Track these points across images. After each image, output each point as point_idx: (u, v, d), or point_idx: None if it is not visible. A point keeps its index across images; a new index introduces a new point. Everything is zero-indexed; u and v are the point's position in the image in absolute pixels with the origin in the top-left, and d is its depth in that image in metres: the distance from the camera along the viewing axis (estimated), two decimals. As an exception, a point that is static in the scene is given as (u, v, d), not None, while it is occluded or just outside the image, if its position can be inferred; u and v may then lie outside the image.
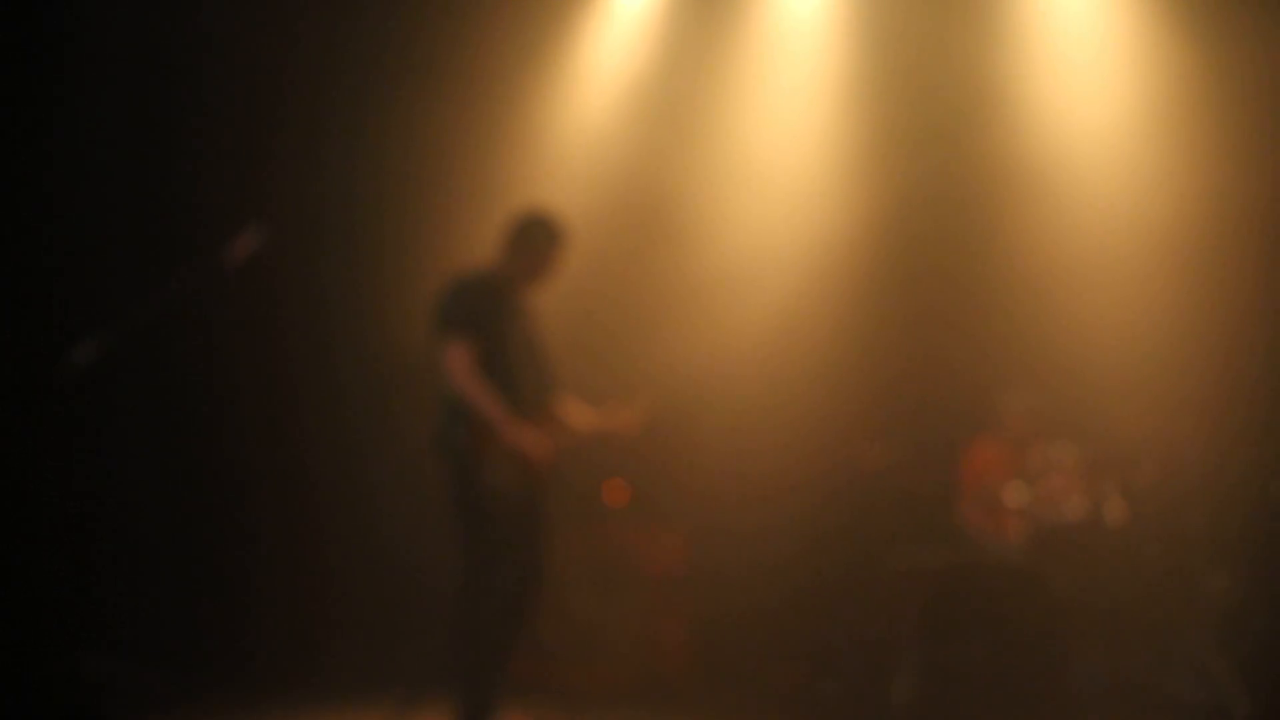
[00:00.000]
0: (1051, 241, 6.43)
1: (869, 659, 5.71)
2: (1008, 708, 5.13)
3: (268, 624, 6.58)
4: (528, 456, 4.75)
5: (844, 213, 6.69)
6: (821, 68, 6.85)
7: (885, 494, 5.70)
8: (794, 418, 6.59)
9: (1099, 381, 6.12)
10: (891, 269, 6.70)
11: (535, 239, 5.04)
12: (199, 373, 6.64)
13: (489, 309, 4.84)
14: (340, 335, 6.82)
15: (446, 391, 4.77)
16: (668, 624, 6.48)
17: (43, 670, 5.43)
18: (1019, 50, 6.54)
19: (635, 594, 6.41)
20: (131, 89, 6.46)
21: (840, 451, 5.88)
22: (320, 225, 6.72)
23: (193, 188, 6.49)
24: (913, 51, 6.60)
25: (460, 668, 4.84)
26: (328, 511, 6.70)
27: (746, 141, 6.91)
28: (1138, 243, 6.27)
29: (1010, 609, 5.25)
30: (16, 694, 5.26)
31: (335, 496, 6.72)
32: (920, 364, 6.58)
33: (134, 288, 3.88)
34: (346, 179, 6.72)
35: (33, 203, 6.17)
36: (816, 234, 6.74)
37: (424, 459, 5.05)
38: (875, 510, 5.72)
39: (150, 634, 6.27)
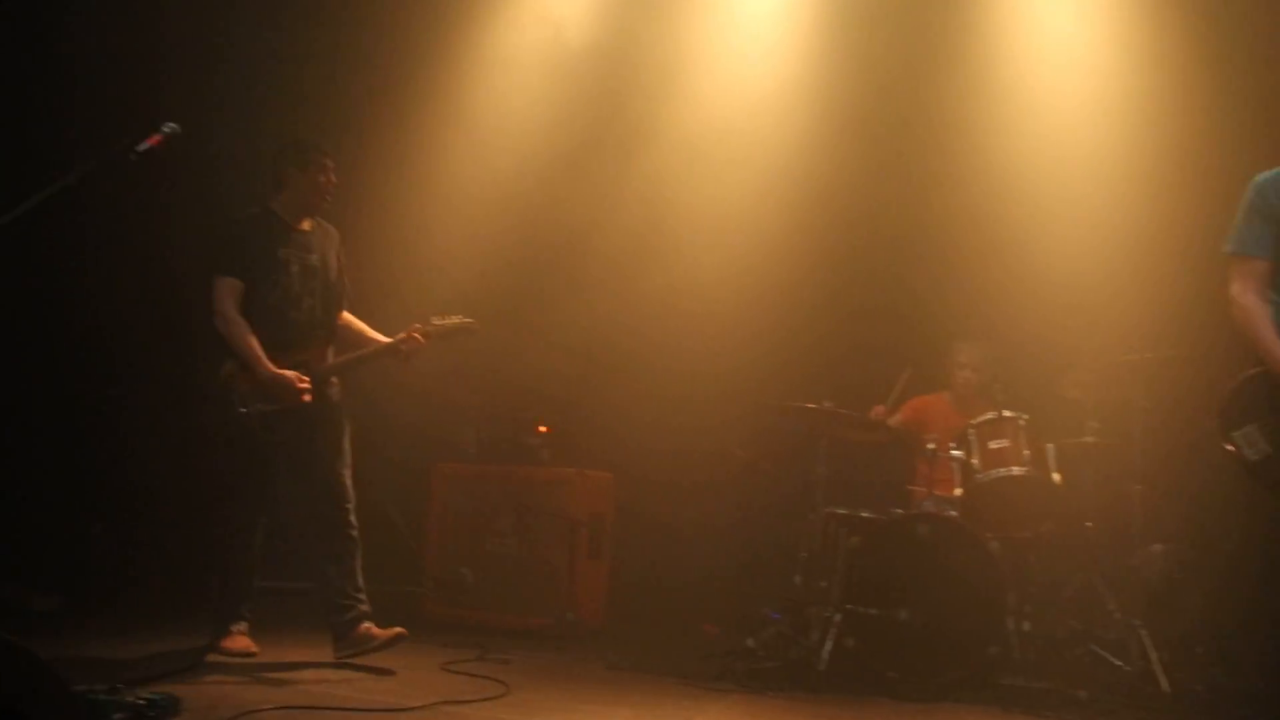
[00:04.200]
0: (1004, 200, 6.39)
1: (795, 613, 5.59)
2: (937, 663, 5.03)
3: (156, 548, 6.44)
4: (278, 393, 4.92)
5: (794, 166, 6.58)
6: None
7: (822, 445, 5.55)
8: (732, 368, 6.49)
9: (1047, 344, 6.08)
10: (841, 227, 6.60)
11: (290, 167, 5.11)
12: (83, 278, 6.41)
13: (254, 248, 5.04)
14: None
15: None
16: (590, 566, 6.36)
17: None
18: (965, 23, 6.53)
19: (558, 536, 6.27)
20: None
21: (778, 401, 5.73)
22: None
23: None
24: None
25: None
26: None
27: (695, 102, 6.77)
28: (1089, 205, 6.24)
29: (945, 564, 5.14)
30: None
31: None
32: (867, 317, 6.51)
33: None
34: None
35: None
36: (767, 185, 6.62)
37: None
38: (811, 461, 5.58)
39: (37, 556, 6.12)
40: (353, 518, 5.14)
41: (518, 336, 6.56)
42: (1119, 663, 5.18)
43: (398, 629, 5.04)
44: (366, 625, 5.05)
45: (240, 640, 5.06)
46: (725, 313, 6.64)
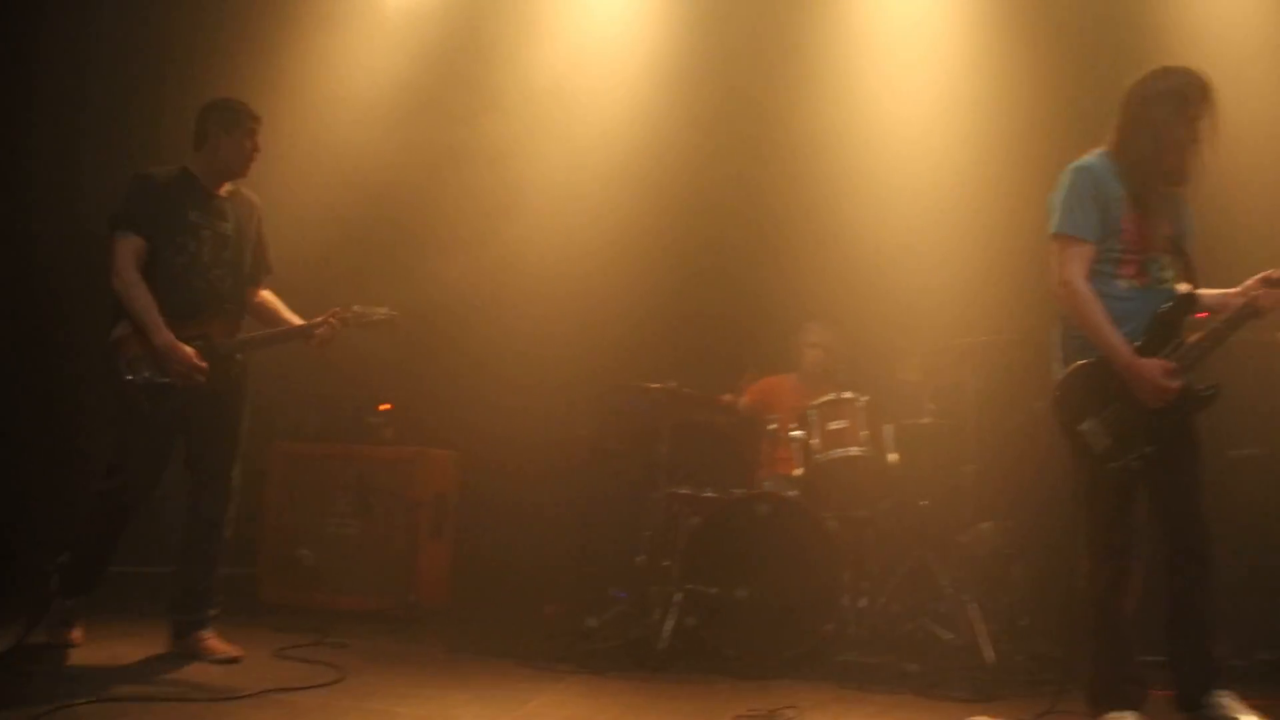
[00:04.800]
0: (847, 186, 6.48)
1: (636, 593, 5.61)
2: (775, 640, 5.11)
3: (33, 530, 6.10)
4: (170, 366, 4.63)
5: (644, 144, 6.58)
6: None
7: (666, 425, 5.57)
8: (577, 347, 6.46)
9: (888, 328, 6.21)
10: (690, 209, 6.62)
11: (215, 127, 4.82)
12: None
13: (163, 206, 4.71)
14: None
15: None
16: (432, 547, 6.27)
17: None
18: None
19: (400, 516, 6.17)
20: None
21: (624, 381, 5.73)
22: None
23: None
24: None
25: None
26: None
27: (544, 74, 6.74)
28: (927, 195, 6.39)
29: (784, 543, 5.21)
30: None
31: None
32: (714, 299, 6.55)
33: None
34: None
35: None
36: (617, 163, 6.58)
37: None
38: (655, 441, 5.59)
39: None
40: (227, 515, 4.87)
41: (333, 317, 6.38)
42: (949, 636, 5.33)
43: (237, 651, 4.78)
44: (209, 637, 4.80)
45: (68, 631, 4.77)
46: (570, 291, 6.61)
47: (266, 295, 5.07)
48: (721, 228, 6.67)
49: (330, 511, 6.31)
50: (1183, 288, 3.95)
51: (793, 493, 5.49)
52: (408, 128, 6.68)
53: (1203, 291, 4.00)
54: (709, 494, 5.56)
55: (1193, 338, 3.90)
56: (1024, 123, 6.07)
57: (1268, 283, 3.87)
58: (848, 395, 5.56)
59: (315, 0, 6.79)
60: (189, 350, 4.63)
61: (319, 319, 4.89)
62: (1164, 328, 3.89)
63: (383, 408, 6.53)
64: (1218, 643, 3.99)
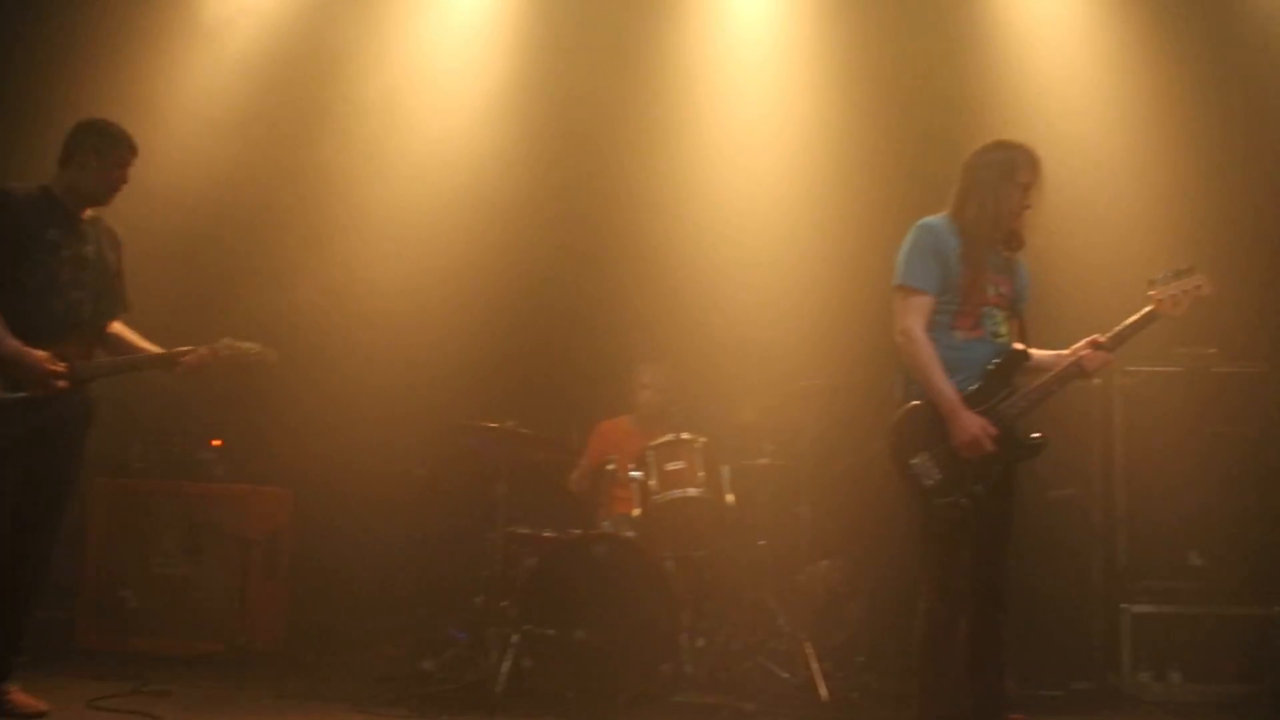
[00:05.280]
0: (689, 227, 6.55)
1: (474, 634, 5.53)
2: (613, 682, 5.09)
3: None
4: (21, 376, 4.34)
5: (484, 179, 6.52)
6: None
7: (504, 464, 5.53)
8: (414, 384, 6.36)
9: (724, 367, 6.27)
10: (527, 248, 6.58)
11: (87, 150, 4.58)
12: None
13: (18, 223, 4.44)
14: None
15: None
16: (264, 587, 6.09)
17: None
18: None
19: (230, 555, 5.98)
20: None
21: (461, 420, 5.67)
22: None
23: None
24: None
25: None
26: None
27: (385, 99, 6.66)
28: (768, 236, 6.47)
29: (621, 584, 5.20)
30: None
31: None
32: (548, 337, 6.55)
33: None
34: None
35: None
36: (454, 199, 6.51)
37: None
38: (491, 481, 5.54)
39: None
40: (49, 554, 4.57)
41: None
42: (785, 674, 5.39)
43: (42, 705, 4.51)
44: (13, 691, 4.52)
45: None
46: (407, 326, 6.47)
47: (119, 327, 4.79)
48: (561, 265, 6.65)
49: (156, 551, 6.08)
50: (1018, 346, 4.17)
51: (630, 533, 5.49)
52: (240, 148, 6.48)
53: (1035, 350, 4.22)
54: (547, 534, 5.53)
55: (1021, 392, 4.11)
56: (866, 173, 6.23)
57: (1095, 345, 4.13)
58: (685, 436, 5.59)
59: (141, 16, 6.54)
60: (41, 355, 4.35)
61: (184, 349, 4.64)
62: (994, 380, 4.10)
63: (214, 443, 6.32)
64: (1007, 679, 4.20)
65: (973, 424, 4.00)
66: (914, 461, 4.05)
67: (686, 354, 6.31)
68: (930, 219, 4.19)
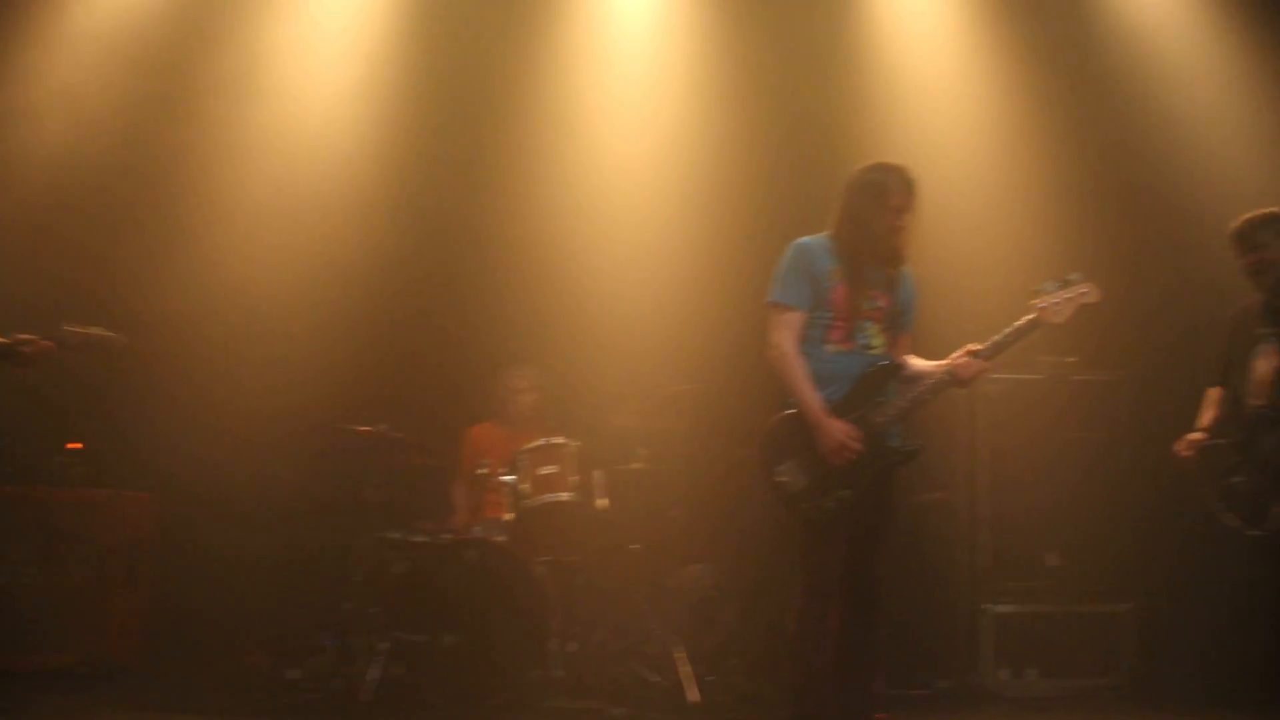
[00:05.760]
0: (565, 232, 6.52)
1: (342, 641, 5.44)
2: (483, 688, 5.06)
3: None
4: None
5: (356, 179, 6.42)
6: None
7: (375, 468, 5.45)
8: (282, 386, 6.21)
9: (598, 371, 6.28)
10: (400, 249, 6.48)
11: None
12: None
13: None
14: None
15: None
16: (125, 596, 5.89)
17: None
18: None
19: (88, 564, 5.78)
20: None
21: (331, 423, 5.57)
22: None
23: None
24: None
25: None
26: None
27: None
28: (643, 243, 6.49)
29: (492, 589, 5.18)
30: None
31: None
32: (421, 339, 6.47)
33: None
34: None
35: None
36: (311, 197, 6.37)
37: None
38: (362, 486, 5.46)
39: None
40: None
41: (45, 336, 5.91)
42: (656, 678, 5.42)
43: None
44: None
45: None
46: (275, 324, 6.31)
47: None
48: (435, 267, 6.55)
49: (6, 559, 5.83)
50: (890, 358, 4.26)
51: (501, 538, 5.46)
52: (99, 134, 6.23)
53: (916, 360, 4.35)
54: (418, 539, 5.47)
55: (892, 400, 4.20)
56: (745, 181, 6.28)
57: (970, 354, 4.22)
58: (558, 440, 5.59)
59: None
60: None
61: (25, 336, 4.49)
62: (863, 390, 4.20)
63: (71, 446, 6.10)
64: (878, 679, 4.32)
65: (837, 430, 4.10)
66: (780, 468, 4.16)
67: (560, 357, 6.31)
68: (806, 239, 4.31)
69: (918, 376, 4.30)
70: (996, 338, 4.21)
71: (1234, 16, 6.44)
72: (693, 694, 5.22)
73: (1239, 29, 6.43)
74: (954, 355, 4.25)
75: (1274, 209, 4.76)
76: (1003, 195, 6.44)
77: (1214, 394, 4.94)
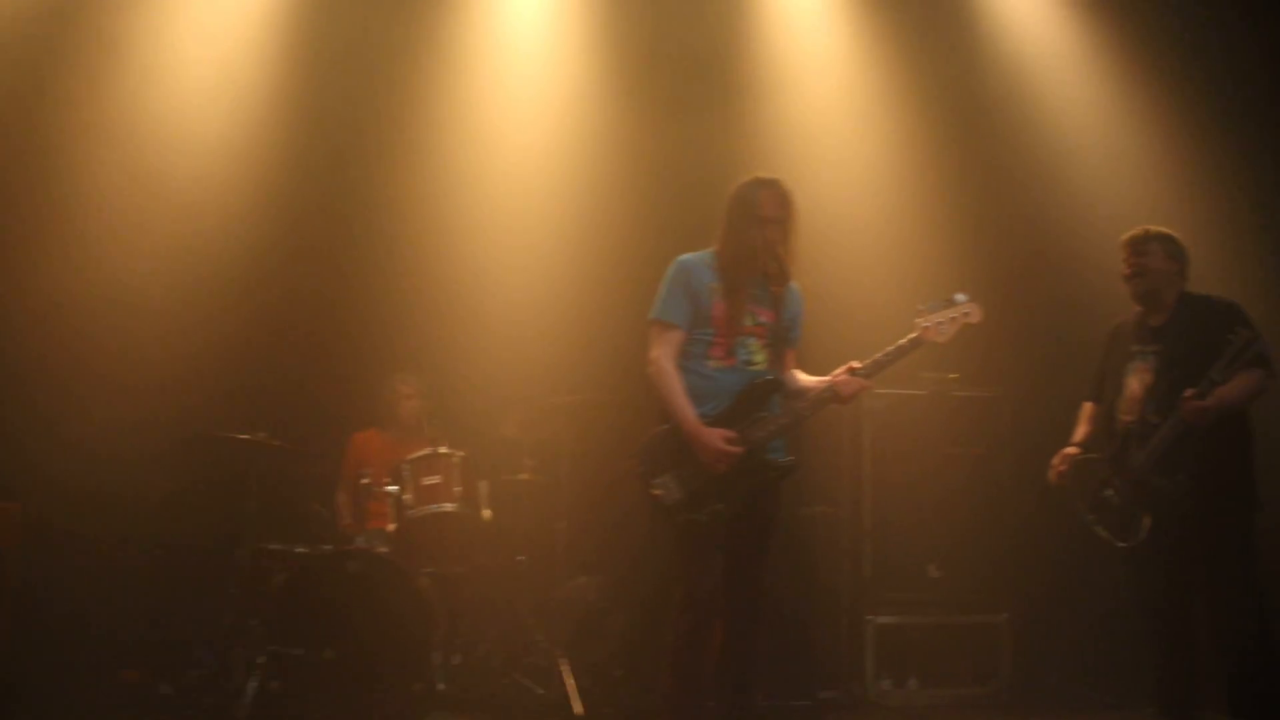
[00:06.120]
0: (452, 240, 6.47)
1: (218, 656, 5.30)
2: (363, 703, 4.98)
3: None
4: None
5: (231, 176, 6.25)
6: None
7: (253, 477, 5.33)
8: (154, 392, 6.02)
9: (485, 380, 6.23)
10: (278, 249, 6.35)
11: None
12: None
13: None
14: None
15: None
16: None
17: None
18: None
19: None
20: None
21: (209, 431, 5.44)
22: None
23: None
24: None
25: None
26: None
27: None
28: (536, 252, 6.46)
29: (374, 601, 5.10)
30: None
31: None
32: (303, 346, 6.35)
33: None
34: None
35: None
36: (183, 195, 6.20)
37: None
38: (241, 495, 5.33)
39: None
40: None
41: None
42: (541, 690, 5.38)
43: None
44: None
45: None
46: (148, 326, 6.09)
47: None
48: (318, 274, 6.41)
49: None
50: (772, 374, 4.28)
51: (384, 549, 5.38)
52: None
53: (800, 376, 4.41)
54: (299, 549, 5.37)
55: (772, 415, 4.23)
56: (633, 194, 6.30)
57: (851, 371, 4.27)
58: (443, 450, 5.54)
59: None
60: None
61: None
62: (743, 405, 4.23)
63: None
64: (757, 691, 4.34)
65: (712, 440, 4.13)
66: (658, 480, 4.20)
67: (446, 365, 6.25)
68: (688, 256, 4.35)
69: (800, 393, 4.36)
70: (878, 356, 4.27)
71: (1112, 48, 6.67)
72: (577, 707, 5.20)
73: (1116, 60, 6.67)
74: (836, 372, 4.30)
75: (1171, 232, 4.85)
76: (888, 215, 6.57)
77: (1088, 409, 5.06)
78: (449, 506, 5.43)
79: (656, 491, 4.18)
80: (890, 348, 4.29)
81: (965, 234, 6.53)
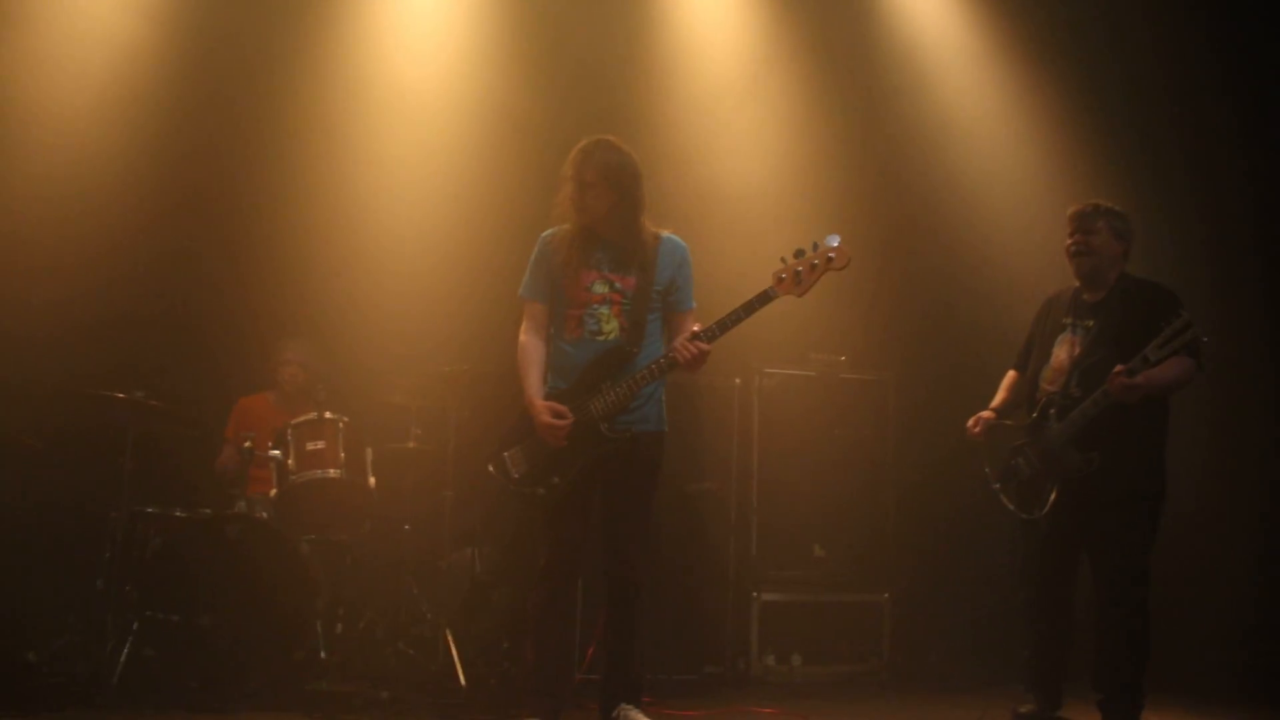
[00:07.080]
0: (345, 208, 6.35)
1: (93, 621, 5.14)
2: (242, 670, 4.88)
3: None
4: None
5: (126, 137, 6.06)
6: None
7: (130, 437, 5.16)
8: (27, 346, 5.80)
9: (372, 346, 6.15)
10: (163, 211, 6.18)
11: None
12: None
13: None
14: None
15: None
16: None
17: None
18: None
19: None
20: None
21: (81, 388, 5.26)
22: None
23: None
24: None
25: None
26: None
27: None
28: (426, 220, 6.37)
29: (254, 567, 4.99)
30: None
31: None
32: (187, 305, 6.19)
33: None
34: None
35: None
36: (79, 156, 6.00)
37: None
38: (117, 455, 5.16)
39: None
40: None
41: None
42: (425, 661, 5.32)
43: None
44: None
45: None
46: (19, 282, 5.87)
47: None
48: (203, 232, 6.24)
49: None
50: (630, 343, 4.22)
51: (265, 514, 5.27)
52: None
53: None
54: (177, 513, 5.23)
55: (615, 387, 4.16)
56: (519, 170, 6.23)
57: (693, 336, 4.14)
58: (328, 415, 5.45)
59: None
60: None
61: None
62: (587, 378, 4.22)
63: None
64: (637, 663, 4.35)
65: (540, 415, 4.17)
66: (506, 454, 4.27)
67: (332, 332, 6.15)
68: (548, 231, 4.37)
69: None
70: (723, 316, 4.12)
71: (1010, 57, 6.80)
72: (462, 678, 5.15)
73: (1013, 65, 6.80)
74: (680, 338, 4.18)
75: (1119, 208, 4.73)
76: (787, 201, 6.59)
77: (1011, 376, 4.99)
78: (333, 472, 5.35)
79: (503, 466, 4.25)
80: (738, 306, 4.12)
81: (856, 223, 6.58)
